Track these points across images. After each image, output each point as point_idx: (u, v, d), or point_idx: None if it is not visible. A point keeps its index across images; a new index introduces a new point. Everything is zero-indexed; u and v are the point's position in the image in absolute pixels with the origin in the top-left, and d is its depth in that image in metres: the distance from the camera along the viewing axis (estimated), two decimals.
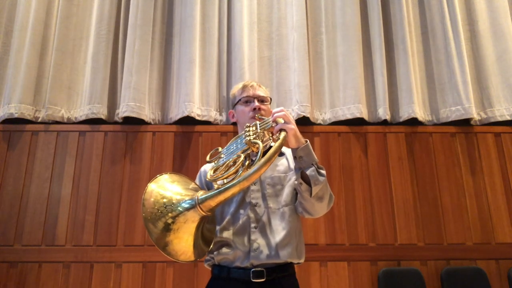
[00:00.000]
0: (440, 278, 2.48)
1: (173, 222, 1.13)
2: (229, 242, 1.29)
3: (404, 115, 2.77)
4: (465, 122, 2.81)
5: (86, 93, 2.74)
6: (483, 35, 2.94)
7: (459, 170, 2.73)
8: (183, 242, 1.15)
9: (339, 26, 2.93)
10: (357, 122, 2.77)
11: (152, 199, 1.17)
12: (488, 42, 2.93)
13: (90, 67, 2.77)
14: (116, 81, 2.85)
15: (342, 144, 2.74)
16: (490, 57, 2.91)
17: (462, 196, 2.67)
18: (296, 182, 1.28)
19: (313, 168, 1.22)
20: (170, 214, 1.13)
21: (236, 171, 1.14)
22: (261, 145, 1.15)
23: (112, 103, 2.81)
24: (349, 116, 2.74)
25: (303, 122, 2.74)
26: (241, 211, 1.32)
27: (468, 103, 2.73)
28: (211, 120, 2.77)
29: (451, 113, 2.79)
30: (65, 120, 2.76)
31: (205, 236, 1.24)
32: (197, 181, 1.48)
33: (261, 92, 1.47)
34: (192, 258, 1.16)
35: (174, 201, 1.16)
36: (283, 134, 1.18)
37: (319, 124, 2.84)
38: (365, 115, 2.78)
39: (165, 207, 1.15)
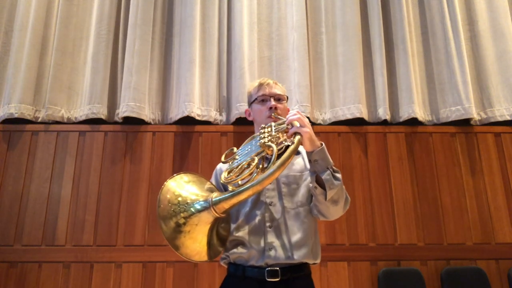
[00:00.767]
0: (440, 278, 2.48)
1: (186, 222, 1.13)
2: (244, 241, 1.28)
3: (404, 115, 2.77)
4: (465, 122, 2.81)
5: (86, 93, 2.74)
6: (483, 35, 2.94)
7: (459, 170, 2.73)
8: (197, 242, 1.15)
9: (339, 26, 2.93)
10: (357, 122, 2.77)
11: (167, 198, 1.16)
12: (488, 42, 2.93)
13: (90, 67, 2.77)
14: (116, 81, 2.85)
15: (342, 144, 2.74)
16: (490, 57, 2.91)
17: (462, 196, 2.67)
18: (310, 185, 1.26)
19: (328, 172, 1.20)
20: (183, 214, 1.13)
21: (250, 174, 1.13)
22: (275, 148, 1.14)
23: (112, 103, 2.81)
24: (349, 116, 2.74)
25: None
26: (256, 210, 1.31)
27: (468, 103, 2.73)
28: (211, 120, 2.77)
29: (451, 113, 2.79)
30: (65, 120, 2.76)
31: (220, 235, 1.25)
32: (212, 179, 1.47)
33: (278, 90, 1.45)
34: (206, 258, 1.16)
35: (188, 201, 1.16)
36: (297, 137, 1.17)
37: (319, 124, 2.84)
38: (365, 115, 2.78)
39: (180, 207, 1.15)
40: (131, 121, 2.71)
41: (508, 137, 2.79)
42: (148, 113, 2.76)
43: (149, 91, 2.78)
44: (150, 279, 2.45)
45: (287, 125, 1.23)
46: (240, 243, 1.30)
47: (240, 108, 2.70)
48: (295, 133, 1.19)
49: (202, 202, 1.15)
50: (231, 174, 1.21)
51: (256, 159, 1.17)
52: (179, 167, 2.65)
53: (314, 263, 1.33)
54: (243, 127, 2.74)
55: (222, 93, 2.87)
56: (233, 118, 2.75)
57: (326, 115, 2.86)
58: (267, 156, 1.20)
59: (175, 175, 1.25)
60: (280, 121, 1.28)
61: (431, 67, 2.95)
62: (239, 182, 1.15)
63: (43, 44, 2.83)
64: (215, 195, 1.16)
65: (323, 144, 1.23)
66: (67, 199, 2.56)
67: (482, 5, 3.00)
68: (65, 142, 2.68)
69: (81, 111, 2.74)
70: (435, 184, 2.70)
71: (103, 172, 2.63)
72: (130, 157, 2.67)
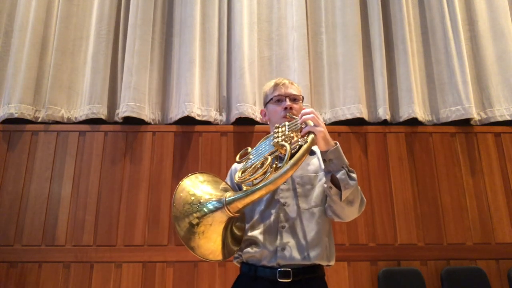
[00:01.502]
0: (440, 278, 2.48)
1: (200, 222, 1.13)
2: (257, 241, 1.27)
3: (404, 115, 2.77)
4: (465, 122, 2.81)
5: (86, 93, 2.74)
6: (483, 35, 2.95)
7: (459, 170, 2.73)
8: (211, 242, 1.15)
9: (339, 26, 2.93)
10: (357, 122, 2.77)
11: (182, 197, 1.16)
12: (488, 42, 2.93)
13: (90, 67, 2.77)
14: (116, 81, 2.85)
15: (342, 144, 2.68)
16: (490, 57, 2.91)
17: (462, 196, 2.67)
18: (325, 185, 1.24)
19: (343, 171, 1.18)
20: (197, 214, 1.13)
21: (264, 173, 1.13)
22: (288, 148, 1.13)
23: (112, 103, 2.81)
24: (349, 116, 2.74)
25: None
26: (270, 210, 1.30)
27: (468, 103, 2.73)
28: (211, 120, 2.77)
29: (451, 113, 2.79)
30: (65, 120, 2.76)
31: (234, 234, 1.25)
32: (228, 179, 1.47)
33: (293, 90, 1.44)
34: (220, 257, 1.16)
35: (202, 201, 1.16)
36: (311, 136, 1.15)
37: None
38: (365, 115, 2.78)
39: (193, 206, 1.15)
40: (131, 121, 2.71)
41: (508, 137, 2.79)
42: (148, 113, 2.76)
43: (149, 91, 2.78)
44: (150, 279, 2.45)
45: (301, 124, 1.21)
46: (253, 242, 1.29)
47: (240, 108, 2.70)
48: (309, 132, 1.17)
49: (216, 202, 1.15)
50: (244, 173, 1.21)
51: (270, 158, 1.16)
52: (179, 167, 2.65)
53: (328, 265, 1.31)
54: (243, 127, 2.74)
55: (222, 93, 2.87)
56: (233, 118, 2.74)
57: (326, 115, 2.86)
58: (280, 155, 1.19)
59: (190, 174, 1.24)
60: (294, 121, 1.27)
61: (431, 67, 2.95)
62: (253, 182, 1.15)
63: (43, 44, 2.83)
64: (229, 195, 1.15)
65: (338, 143, 1.21)
66: (67, 199, 2.56)
67: (482, 5, 3.00)
68: (65, 142, 2.68)
69: (81, 111, 2.74)
70: (435, 184, 2.70)
71: (103, 172, 2.63)
72: (130, 157, 2.67)
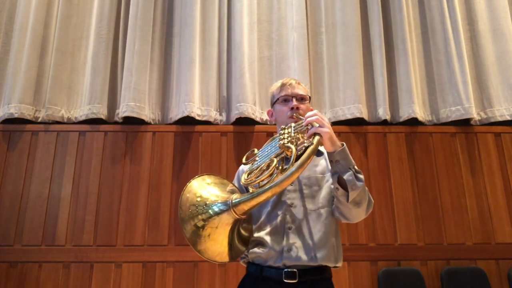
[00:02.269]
0: (440, 278, 2.48)
1: (206, 224, 1.13)
2: (263, 241, 1.27)
3: (404, 115, 2.77)
4: (465, 122, 2.81)
5: (86, 93, 2.74)
6: (483, 35, 2.95)
7: (459, 170, 2.73)
8: (218, 244, 1.15)
9: (339, 26, 2.93)
10: (357, 122, 2.77)
11: (189, 199, 1.17)
12: (488, 42, 2.93)
13: (90, 67, 2.77)
14: (116, 81, 2.85)
15: None
16: (490, 57, 2.91)
17: (462, 196, 2.67)
18: (332, 186, 1.24)
19: (350, 172, 1.17)
20: (204, 215, 1.14)
21: (270, 175, 1.13)
22: (294, 150, 1.13)
23: (112, 103, 2.81)
24: (349, 116, 2.74)
25: None
26: (277, 211, 1.30)
27: (468, 103, 2.74)
28: (211, 120, 2.77)
29: (451, 113, 2.79)
30: (65, 120, 2.76)
31: (242, 236, 1.25)
32: (235, 181, 1.47)
33: (300, 90, 1.43)
34: (227, 259, 1.16)
35: (209, 202, 1.17)
36: (316, 138, 1.14)
37: None
38: (365, 115, 2.78)
39: (199, 208, 1.15)
40: (131, 121, 2.71)
41: (508, 137, 2.79)
42: (148, 113, 2.76)
43: (149, 91, 2.78)
44: (150, 279, 2.45)
45: (306, 125, 1.21)
46: (259, 243, 1.29)
47: (240, 108, 2.70)
48: (315, 134, 1.17)
49: (222, 204, 1.16)
50: (250, 175, 1.21)
51: (275, 160, 1.16)
52: (179, 167, 2.65)
53: (335, 267, 1.30)
54: (243, 127, 2.74)
55: (222, 93, 2.87)
56: (233, 118, 2.74)
57: (326, 115, 2.86)
58: (286, 157, 1.19)
59: (197, 176, 1.24)
60: (300, 122, 1.27)
61: (431, 67, 2.95)
62: (259, 184, 1.15)
63: (43, 44, 2.83)
64: (235, 197, 1.16)
65: (344, 144, 1.20)
66: (67, 199, 2.56)
67: (482, 5, 3.00)
68: (65, 142, 2.68)
69: (81, 111, 2.74)
70: (435, 184, 2.70)
71: (103, 172, 2.63)
72: (130, 157, 2.67)
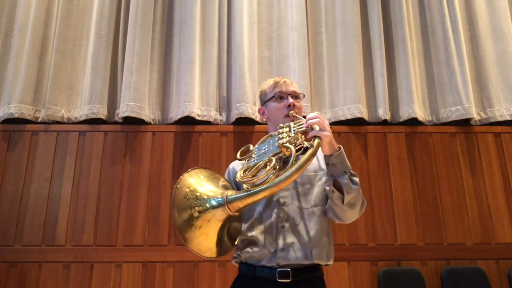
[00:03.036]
0: (440, 278, 2.48)
1: (199, 217, 1.13)
2: (256, 241, 1.27)
3: (404, 115, 2.77)
4: (465, 122, 2.81)
5: (86, 93, 2.74)
6: (483, 35, 2.95)
7: (459, 170, 2.73)
8: (209, 238, 1.15)
9: (339, 26, 2.92)
10: (357, 122, 2.77)
11: (183, 192, 1.16)
12: (488, 42, 2.93)
13: (90, 67, 2.77)
14: (116, 81, 2.85)
15: (342, 144, 2.71)
16: (490, 57, 2.91)
17: (462, 196, 2.67)
18: (327, 188, 1.24)
19: (346, 176, 1.19)
20: (197, 209, 1.13)
21: (267, 175, 1.12)
22: (293, 150, 1.12)
23: (112, 103, 2.81)
24: (349, 116, 2.74)
25: None
26: (270, 210, 1.30)
27: (468, 103, 2.73)
28: (211, 120, 2.77)
29: (451, 113, 2.79)
30: (65, 120, 2.76)
31: (231, 234, 1.24)
32: (226, 176, 1.46)
33: (294, 88, 1.44)
34: (215, 255, 1.16)
35: (204, 197, 1.16)
36: (317, 141, 1.14)
37: None
38: (365, 115, 2.78)
39: (194, 201, 1.15)
40: (131, 121, 2.71)
41: (508, 137, 2.79)
42: (148, 113, 2.76)
43: (149, 91, 2.78)
44: (150, 279, 2.45)
45: (306, 127, 1.20)
46: (252, 242, 1.28)
47: (240, 108, 2.70)
48: (315, 136, 1.16)
49: (217, 199, 1.15)
50: (246, 173, 1.20)
51: (274, 159, 1.15)
52: (179, 167, 2.65)
53: (327, 265, 1.30)
54: (243, 127, 2.74)
55: (222, 93, 2.87)
56: (233, 118, 2.74)
57: (326, 115, 2.86)
58: (284, 157, 1.19)
59: (190, 170, 1.24)
60: (299, 122, 1.26)
61: (431, 67, 2.95)
62: (254, 182, 1.14)
63: (43, 44, 2.83)
64: (230, 193, 1.15)
65: (341, 148, 1.21)
66: (67, 199, 2.56)
67: (482, 5, 3.00)
68: (65, 142, 2.68)
69: (81, 111, 2.74)
70: (435, 184, 2.70)
71: (103, 172, 2.63)
72: (130, 157, 2.67)
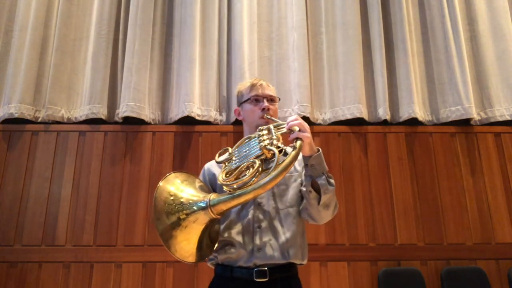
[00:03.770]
0: (440, 278, 2.48)
1: (181, 223, 1.13)
2: (233, 242, 1.28)
3: (404, 115, 2.77)
4: (465, 122, 2.81)
5: (86, 93, 2.74)
6: (483, 35, 2.94)
7: (459, 170, 2.73)
8: (191, 243, 1.15)
9: (339, 26, 2.93)
10: (357, 122, 2.77)
11: (163, 198, 1.16)
12: (488, 42, 2.93)
13: (90, 67, 2.77)
14: (116, 81, 2.85)
15: (342, 144, 2.74)
16: (490, 57, 2.91)
17: (462, 196, 2.67)
18: (304, 189, 1.27)
19: (324, 176, 1.22)
20: (180, 215, 1.14)
21: (251, 177, 1.13)
22: (277, 153, 1.13)
23: (112, 103, 2.81)
24: (349, 116, 2.74)
25: None
26: (245, 211, 1.31)
27: (468, 103, 2.73)
28: (211, 120, 2.77)
29: (451, 113, 2.79)
30: (65, 120, 2.76)
31: (212, 237, 1.25)
32: (200, 178, 1.47)
33: (270, 91, 1.46)
34: (194, 260, 1.16)
35: (186, 202, 1.16)
36: (299, 143, 1.16)
37: (319, 124, 2.84)
38: (365, 115, 2.78)
39: (174, 207, 1.15)
40: (131, 121, 2.71)
41: (508, 137, 2.79)
42: (148, 113, 2.76)
43: (149, 91, 2.78)
44: (150, 279, 2.45)
45: (288, 130, 1.22)
46: (228, 243, 1.29)
47: None
48: (296, 138, 1.18)
49: (199, 203, 1.15)
50: (229, 176, 1.20)
51: (258, 162, 1.16)
52: (179, 167, 2.65)
53: (301, 264, 1.34)
54: (243, 127, 2.74)
55: (222, 93, 2.87)
56: (233, 118, 2.75)
57: (326, 115, 2.86)
58: (266, 159, 1.19)
59: (167, 174, 1.24)
60: (278, 125, 1.28)
61: (431, 67, 2.95)
62: (237, 185, 1.14)
63: (43, 44, 2.83)
64: (213, 197, 1.15)
65: (320, 150, 1.24)
66: (67, 199, 2.56)
67: (482, 5, 3.00)
68: (65, 142, 2.68)
69: (81, 111, 2.74)
70: (435, 184, 2.70)
71: (103, 172, 2.63)
72: (130, 157, 2.67)
